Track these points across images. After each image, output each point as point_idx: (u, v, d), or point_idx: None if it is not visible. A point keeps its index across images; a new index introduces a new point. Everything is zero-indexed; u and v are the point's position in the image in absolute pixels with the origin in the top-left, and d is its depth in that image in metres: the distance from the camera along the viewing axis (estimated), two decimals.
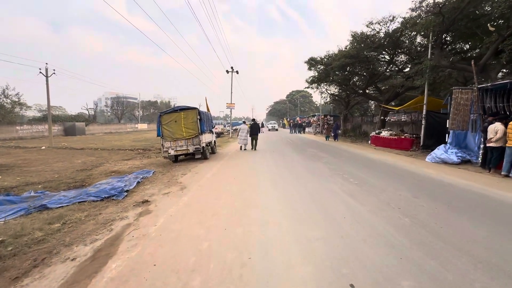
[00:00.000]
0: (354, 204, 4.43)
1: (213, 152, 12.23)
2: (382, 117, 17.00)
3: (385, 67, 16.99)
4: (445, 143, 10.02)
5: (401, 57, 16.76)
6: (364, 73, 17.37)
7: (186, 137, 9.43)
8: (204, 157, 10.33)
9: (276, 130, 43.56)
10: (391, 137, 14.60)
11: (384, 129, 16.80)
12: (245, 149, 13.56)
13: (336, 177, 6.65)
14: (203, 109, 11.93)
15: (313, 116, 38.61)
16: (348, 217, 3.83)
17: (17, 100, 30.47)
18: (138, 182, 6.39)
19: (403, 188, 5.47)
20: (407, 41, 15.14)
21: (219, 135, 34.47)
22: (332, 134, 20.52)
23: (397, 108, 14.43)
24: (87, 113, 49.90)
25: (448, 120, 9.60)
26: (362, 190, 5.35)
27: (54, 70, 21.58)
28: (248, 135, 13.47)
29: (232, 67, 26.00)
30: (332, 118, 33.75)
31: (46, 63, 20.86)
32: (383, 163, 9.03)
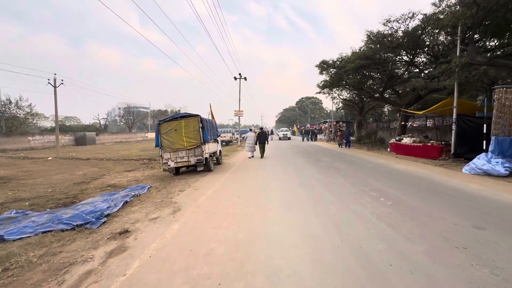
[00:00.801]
0: (398, 239, 3.26)
1: (218, 163, 11.26)
2: (402, 123, 15.57)
3: (403, 69, 15.69)
4: (483, 151, 8.62)
5: (421, 58, 15.44)
6: (380, 76, 16.11)
7: (187, 147, 8.50)
8: (208, 169, 9.35)
9: (289, 138, 35.57)
10: (415, 144, 13.17)
11: (405, 136, 15.36)
12: (252, 157, 13.58)
13: (362, 195, 5.46)
14: (207, 116, 11.06)
15: (325, 122, 37.20)
16: (395, 264, 2.66)
17: (29, 111, 30.85)
18: (126, 202, 5.44)
19: (454, 212, 4.22)
20: (428, 40, 13.88)
21: (227, 143, 33.65)
22: (345, 141, 19.81)
23: (421, 112, 13.06)
24: (99, 123, 50.59)
25: (485, 125, 8.23)
26: (401, 215, 4.15)
27: (62, 80, 21.57)
28: (256, 142, 13.51)
29: (240, 74, 25.34)
30: (344, 125, 32.32)
31: (55, 74, 20.88)
32: (412, 175, 7.72)
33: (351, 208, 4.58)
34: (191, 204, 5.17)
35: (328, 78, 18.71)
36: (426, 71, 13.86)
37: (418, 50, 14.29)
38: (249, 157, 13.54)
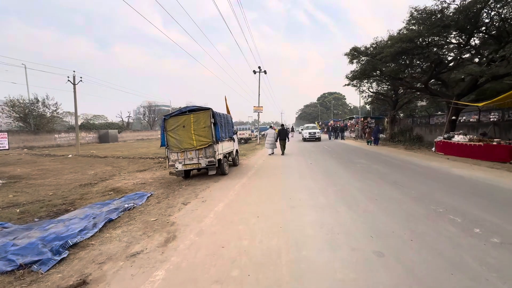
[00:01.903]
0: None
1: (234, 164, 9.84)
2: (453, 117, 13.06)
3: (453, 53, 13.11)
4: None
5: (475, 40, 12.77)
6: (424, 63, 13.64)
7: (197, 147, 7.15)
8: (221, 173, 7.96)
9: (318, 139, 23.82)
10: (472, 143, 10.76)
11: (456, 133, 12.88)
12: (272, 153, 13.54)
13: (438, 221, 3.69)
14: (224, 110, 9.66)
15: (351, 119, 34.52)
16: None
17: (55, 109, 31.80)
18: (110, 220, 4.16)
19: None
20: (489, 17, 11.30)
21: (246, 141, 32.35)
22: (373, 138, 18.63)
23: (481, 104, 10.63)
24: (122, 121, 51.82)
25: None
26: None
27: (81, 78, 21.45)
28: (277, 139, 13.48)
29: (259, 67, 23.74)
30: (373, 121, 29.56)
31: (74, 71, 20.78)
32: (491, 186, 5.68)
33: (435, 248, 2.86)
34: (192, 228, 3.75)
35: (359, 68, 16.50)
36: (486, 54, 11.27)
37: (474, 31, 11.72)
38: (269, 154, 13.50)
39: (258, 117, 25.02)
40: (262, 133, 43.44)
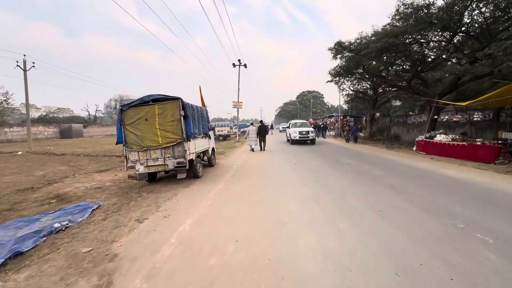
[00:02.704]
0: None
1: (210, 164, 8.63)
2: (435, 117, 12.97)
3: (436, 52, 12.98)
4: None
5: (458, 39, 12.74)
6: (408, 61, 13.39)
7: (162, 144, 5.85)
8: (194, 176, 6.74)
9: (311, 141, 16.38)
10: (455, 143, 10.60)
11: (437, 132, 12.82)
12: (253, 150, 13.53)
13: (468, 242, 2.89)
14: (198, 102, 8.37)
15: (330, 117, 34.62)
16: None
17: (5, 99, 27.87)
18: (18, 254, 2.82)
19: None
20: (470, 17, 11.21)
21: (224, 138, 30.93)
22: (351, 136, 19.13)
23: (465, 103, 10.47)
24: (89, 115, 47.55)
25: None
26: None
27: (33, 63, 18.63)
28: (257, 136, 13.55)
29: (239, 60, 22.48)
30: (352, 119, 29.78)
31: (24, 55, 17.95)
32: (495, 190, 5.15)
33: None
34: (141, 266, 2.56)
35: (342, 64, 15.98)
36: (467, 53, 11.15)
37: (457, 30, 11.57)
38: (251, 150, 13.61)
39: (238, 113, 23.83)
40: (242, 130, 42.30)
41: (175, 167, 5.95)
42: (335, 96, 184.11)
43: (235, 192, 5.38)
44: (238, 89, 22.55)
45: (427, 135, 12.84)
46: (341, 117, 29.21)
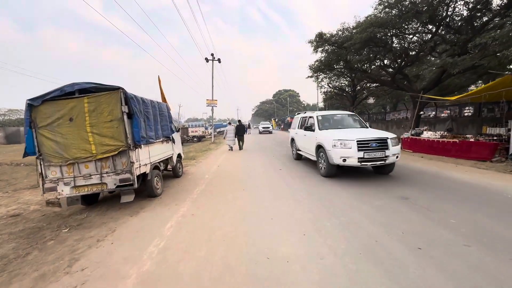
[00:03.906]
0: None
1: (175, 174, 6.89)
2: (421, 113, 12.42)
3: (422, 44, 12.39)
4: None
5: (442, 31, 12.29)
6: (393, 54, 12.69)
7: (97, 155, 4.07)
8: (150, 195, 5.02)
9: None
10: (445, 140, 9.98)
11: (422, 129, 12.29)
12: (231, 149, 13.59)
13: None
14: (157, 97, 6.60)
15: None
16: None
17: None
18: None
19: None
20: (446, 11, 10.74)
21: (199, 139, 28.82)
22: None
23: (453, 98, 9.90)
24: None
25: None
26: None
27: None
28: (235, 135, 13.65)
29: (212, 54, 20.64)
30: None
31: None
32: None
33: None
34: None
35: (323, 58, 14.98)
36: (453, 44, 10.61)
37: (442, 21, 11.02)
38: (229, 149, 13.60)
39: (212, 112, 21.98)
40: (218, 130, 40.21)
41: (118, 186, 4.19)
42: (310, 95, 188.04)
43: (204, 219, 3.80)
44: (212, 85, 20.72)
45: (413, 132, 12.25)
46: None
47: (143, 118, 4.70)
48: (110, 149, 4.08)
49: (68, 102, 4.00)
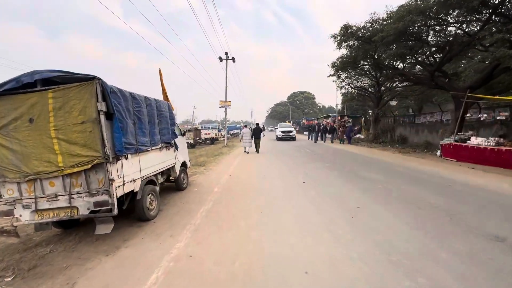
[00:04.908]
0: None
1: (178, 187, 5.77)
2: (468, 115, 10.65)
3: (462, 36, 10.65)
4: None
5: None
6: (429, 48, 11.01)
7: (65, 169, 3.00)
8: (140, 218, 3.90)
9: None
10: (503, 148, 8.26)
11: (468, 134, 10.50)
12: (247, 152, 13.43)
13: None
14: (159, 96, 5.55)
15: (326, 117, 32.32)
16: None
17: None
18: None
19: None
20: None
21: (212, 141, 27.93)
22: (345, 137, 18.91)
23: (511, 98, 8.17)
24: None
25: None
26: None
27: None
28: (252, 138, 13.60)
29: (226, 53, 19.67)
30: (350, 120, 27.62)
31: None
32: None
33: None
34: None
35: (347, 53, 13.50)
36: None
37: (499, 6, 9.24)
38: (245, 152, 13.54)
39: (225, 114, 20.99)
40: (231, 132, 39.28)
41: (92, 212, 3.10)
42: (326, 97, 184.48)
43: (205, 267, 2.59)
44: (226, 86, 19.74)
45: (456, 137, 10.48)
46: (339, 118, 26.95)
47: (132, 119, 3.60)
48: (82, 161, 2.99)
49: (28, 97, 2.96)
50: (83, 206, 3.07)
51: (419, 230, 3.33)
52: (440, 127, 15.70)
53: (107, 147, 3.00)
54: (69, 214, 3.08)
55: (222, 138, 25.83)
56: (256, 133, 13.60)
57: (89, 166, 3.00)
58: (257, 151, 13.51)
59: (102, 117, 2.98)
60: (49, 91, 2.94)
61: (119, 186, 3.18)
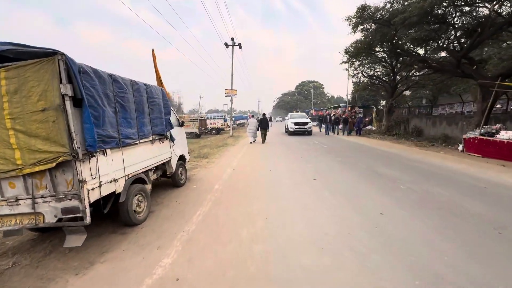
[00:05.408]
0: None
1: (175, 184, 5.21)
2: (498, 106, 9.65)
3: (493, 18, 9.46)
4: None
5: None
6: (455, 31, 9.87)
7: (25, 168, 2.43)
8: (125, 222, 3.35)
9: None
10: None
11: (496, 127, 9.55)
12: (254, 141, 13.40)
13: None
14: (152, 81, 4.93)
15: (336, 107, 31.14)
16: None
17: None
18: None
19: None
20: None
21: (218, 131, 27.39)
22: (355, 129, 18.24)
23: None
24: None
25: None
26: None
27: None
28: (258, 128, 13.50)
29: (232, 39, 18.70)
30: (361, 111, 26.46)
31: None
32: None
33: None
34: None
35: (363, 39, 12.44)
36: None
37: None
38: (250, 142, 13.43)
39: (231, 103, 20.26)
40: (237, 122, 38.58)
41: (60, 220, 2.55)
42: (335, 87, 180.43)
43: None
44: (232, 73, 18.89)
45: (482, 131, 9.53)
46: (349, 108, 25.85)
47: (112, 106, 2.98)
48: (45, 158, 2.41)
49: None
50: (49, 212, 2.52)
51: (464, 249, 2.66)
52: (460, 120, 14.61)
53: (75, 141, 2.40)
54: (33, 221, 2.54)
55: (228, 128, 25.21)
56: (263, 123, 13.49)
57: (54, 164, 2.41)
58: (263, 141, 13.40)
59: (68, 104, 2.36)
60: (1, 71, 2.33)
61: (93, 189, 2.60)
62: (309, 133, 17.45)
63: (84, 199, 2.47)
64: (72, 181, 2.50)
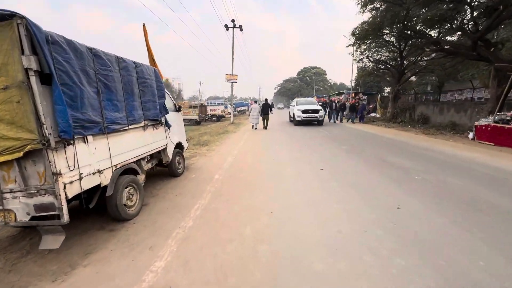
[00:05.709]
0: None
1: (173, 173, 4.85)
2: (507, 92, 9.12)
3: None
4: None
5: None
6: (477, 9, 9.13)
7: None
8: (115, 217, 3.00)
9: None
10: None
11: (508, 114, 9.08)
12: (256, 128, 13.33)
13: None
14: (144, 60, 4.45)
15: (339, 94, 30.37)
16: None
17: None
18: None
19: None
20: None
21: (218, 118, 26.88)
22: (358, 116, 17.62)
23: None
24: None
25: None
26: None
27: None
28: (260, 114, 13.46)
29: (233, 20, 17.78)
30: (365, 97, 25.80)
31: None
32: None
33: None
34: None
35: (371, 20, 11.68)
36: None
37: None
38: (253, 128, 13.48)
39: (232, 89, 19.62)
40: (238, 109, 37.89)
41: (33, 218, 2.20)
42: (338, 74, 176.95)
43: None
44: (232, 58, 18.13)
45: (496, 118, 9.07)
46: (353, 94, 25.16)
47: (94, 86, 2.55)
48: (11, 146, 2.02)
49: None
50: (20, 209, 2.16)
51: (501, 252, 2.31)
52: (469, 106, 14.07)
53: (45, 125, 2.00)
54: (2, 219, 2.18)
55: (229, 115, 24.67)
56: (265, 109, 13.45)
57: (21, 154, 2.02)
58: (265, 127, 13.42)
59: (34, 80, 1.94)
60: None
61: (71, 182, 2.23)
62: (319, 122, 14.86)
63: (60, 195, 2.10)
64: (45, 174, 2.12)
